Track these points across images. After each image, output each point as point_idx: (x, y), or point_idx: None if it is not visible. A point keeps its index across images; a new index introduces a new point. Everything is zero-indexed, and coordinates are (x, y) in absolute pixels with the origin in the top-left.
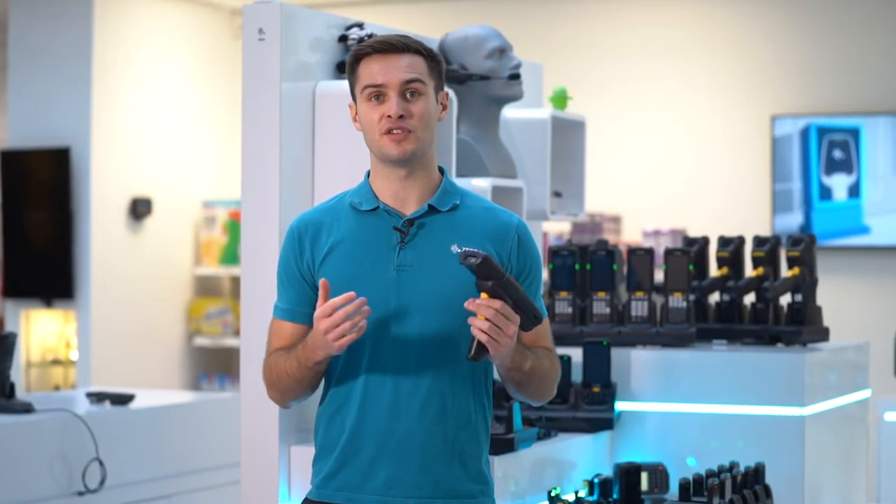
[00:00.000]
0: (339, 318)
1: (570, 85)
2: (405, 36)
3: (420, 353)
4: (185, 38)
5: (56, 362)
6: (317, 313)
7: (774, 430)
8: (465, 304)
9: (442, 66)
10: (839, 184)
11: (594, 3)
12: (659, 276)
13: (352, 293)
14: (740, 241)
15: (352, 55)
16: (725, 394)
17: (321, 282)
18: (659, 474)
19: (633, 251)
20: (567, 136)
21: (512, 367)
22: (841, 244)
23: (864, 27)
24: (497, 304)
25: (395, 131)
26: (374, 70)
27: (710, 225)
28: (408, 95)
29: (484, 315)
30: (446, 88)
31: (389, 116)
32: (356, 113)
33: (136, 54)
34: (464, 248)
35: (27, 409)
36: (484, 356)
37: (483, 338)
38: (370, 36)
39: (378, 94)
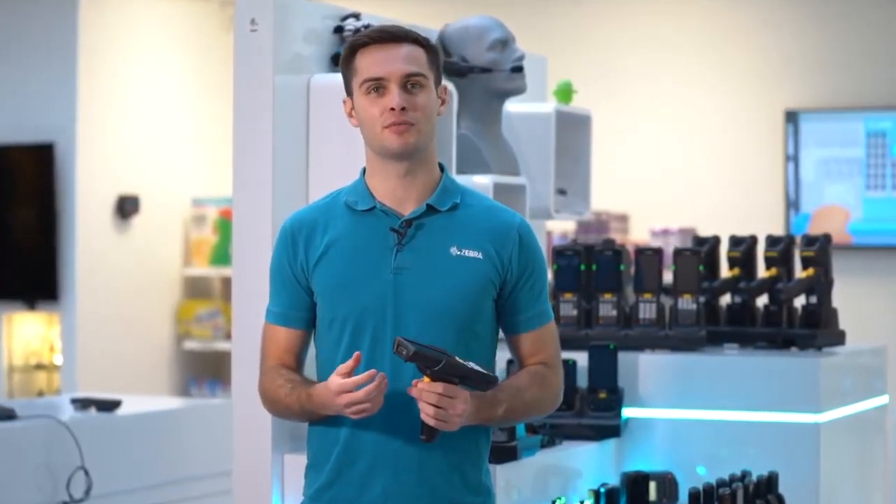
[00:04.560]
0: (360, 396)
1: (575, 78)
2: (400, 26)
3: None
4: (174, 30)
5: (39, 367)
6: (336, 387)
7: (788, 437)
8: (408, 390)
9: (440, 57)
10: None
11: None
12: (668, 276)
13: (373, 371)
14: (752, 240)
15: (347, 46)
16: (737, 400)
17: (356, 355)
18: (668, 483)
19: (640, 251)
20: (572, 131)
21: (478, 422)
22: (857, 243)
23: (884, 16)
24: (439, 388)
25: (396, 125)
26: (373, 62)
27: (720, 224)
28: (409, 87)
29: (426, 401)
30: (445, 82)
31: (392, 109)
32: (352, 108)
33: (123, 47)
34: (397, 338)
35: (9, 415)
36: (437, 435)
37: (430, 422)
38: (367, 27)
39: (378, 86)
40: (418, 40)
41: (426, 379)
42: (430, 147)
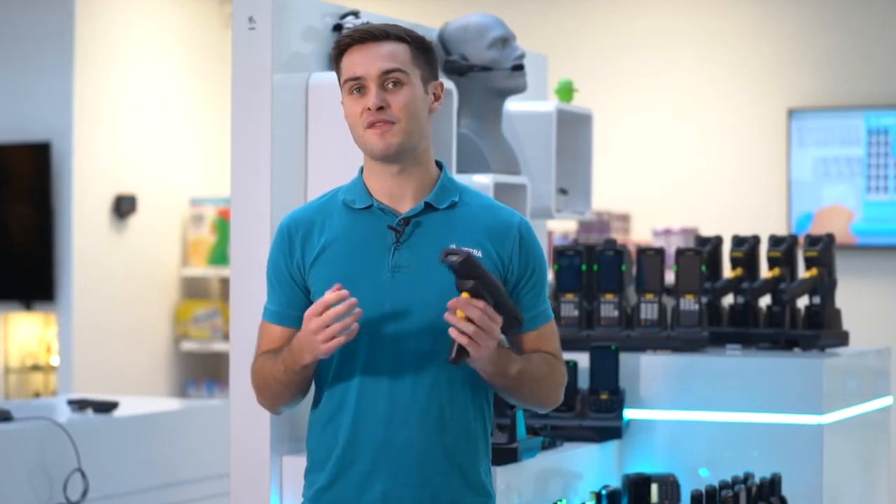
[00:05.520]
0: (329, 317)
1: (576, 76)
2: (390, 24)
3: (417, 360)
4: (172, 27)
5: (36, 368)
6: (308, 311)
7: (791, 439)
8: (449, 304)
9: (432, 54)
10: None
11: None
12: (670, 277)
13: (345, 291)
14: (755, 240)
15: (334, 48)
16: (739, 401)
17: (336, 287)
18: (670, 486)
19: (642, 251)
20: (573, 130)
21: (494, 371)
22: (861, 243)
23: (889, 14)
24: (481, 304)
25: (377, 124)
26: (353, 62)
27: (723, 223)
28: (388, 86)
29: (468, 314)
30: (442, 79)
31: (369, 109)
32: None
33: (121, 44)
34: (444, 248)
35: (5, 416)
36: (464, 359)
37: (463, 340)
38: (365, 24)
39: (359, 86)
40: (402, 37)
41: (465, 295)
42: (424, 145)
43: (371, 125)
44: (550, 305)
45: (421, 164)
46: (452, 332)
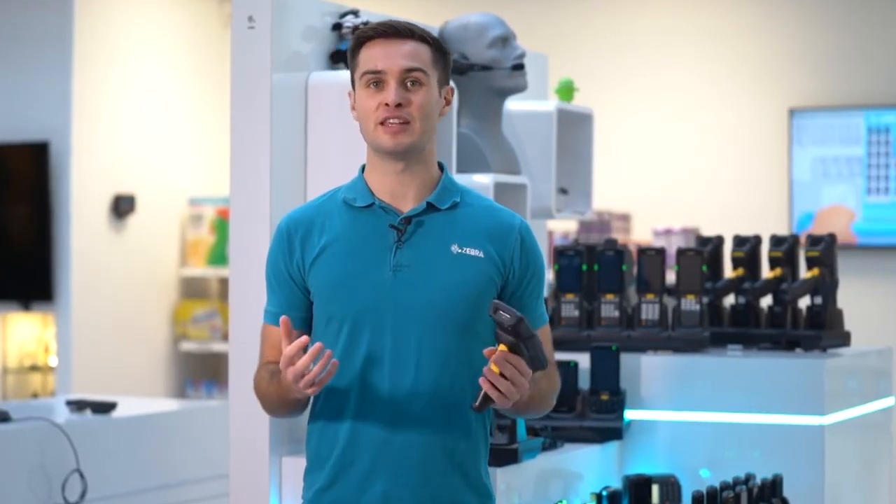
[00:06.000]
0: (303, 365)
1: (576, 76)
2: (411, 23)
3: (418, 359)
4: (171, 27)
5: (34, 368)
6: (280, 363)
7: (792, 440)
8: (485, 352)
9: (448, 58)
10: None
11: None
12: (671, 277)
13: (304, 338)
14: (756, 240)
15: (354, 39)
16: (741, 402)
17: (281, 319)
18: (671, 487)
19: (643, 251)
20: (573, 129)
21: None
22: (862, 243)
23: (889, 14)
24: (517, 360)
25: (391, 121)
26: (374, 55)
27: (724, 223)
28: (408, 84)
29: (503, 370)
30: (450, 83)
31: (387, 105)
32: (355, 101)
33: (120, 44)
34: (494, 301)
35: (3, 417)
36: (488, 406)
37: (494, 394)
38: (365, 24)
39: (377, 80)
40: (425, 38)
41: (502, 347)
42: (430, 146)
43: (384, 122)
44: (548, 307)
45: (424, 164)
46: (484, 384)
